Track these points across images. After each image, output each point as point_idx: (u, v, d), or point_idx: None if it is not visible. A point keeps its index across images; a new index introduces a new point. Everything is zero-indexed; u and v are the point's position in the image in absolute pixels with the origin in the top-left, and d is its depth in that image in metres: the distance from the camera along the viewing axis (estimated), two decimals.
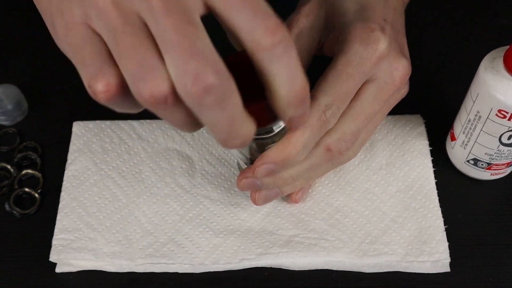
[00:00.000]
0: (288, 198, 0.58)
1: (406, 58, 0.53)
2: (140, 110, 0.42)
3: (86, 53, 0.41)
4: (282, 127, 0.48)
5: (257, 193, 0.54)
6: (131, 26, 0.39)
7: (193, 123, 0.41)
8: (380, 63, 0.51)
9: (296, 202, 0.58)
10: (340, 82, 0.49)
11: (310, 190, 0.59)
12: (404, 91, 0.55)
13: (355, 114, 0.51)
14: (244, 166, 0.54)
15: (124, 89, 0.39)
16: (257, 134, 0.47)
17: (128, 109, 0.42)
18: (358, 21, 0.52)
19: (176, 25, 0.37)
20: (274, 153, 0.49)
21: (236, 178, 0.60)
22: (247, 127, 0.41)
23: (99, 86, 0.39)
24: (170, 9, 0.38)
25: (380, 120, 0.55)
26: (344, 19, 0.53)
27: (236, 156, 0.55)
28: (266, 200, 0.55)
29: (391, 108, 0.55)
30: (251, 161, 0.52)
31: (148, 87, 0.38)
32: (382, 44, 0.50)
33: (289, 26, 0.53)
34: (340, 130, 0.51)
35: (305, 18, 0.53)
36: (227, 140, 0.41)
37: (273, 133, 0.48)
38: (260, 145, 0.50)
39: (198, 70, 0.37)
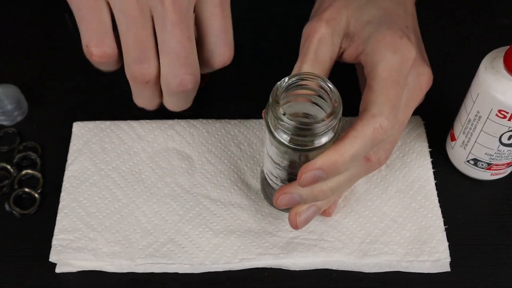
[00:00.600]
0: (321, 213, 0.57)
1: (428, 65, 0.54)
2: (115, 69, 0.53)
3: (93, 17, 0.49)
4: (328, 140, 0.47)
5: (297, 217, 0.52)
6: (143, 19, 0.49)
7: (156, 103, 0.57)
8: (411, 70, 0.51)
9: (329, 215, 0.57)
10: (387, 89, 0.49)
11: None
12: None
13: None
14: (275, 186, 0.54)
15: (115, 59, 0.50)
16: (304, 145, 0.46)
17: (108, 70, 0.54)
18: (384, 28, 0.52)
19: (180, 39, 0.50)
20: (322, 159, 0.48)
21: (237, 178, 0.60)
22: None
23: (96, 51, 0.51)
24: (180, 23, 0.49)
25: (406, 124, 0.55)
26: (369, 26, 0.52)
27: (272, 175, 0.53)
28: (306, 222, 0.53)
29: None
30: (289, 180, 0.52)
31: (141, 70, 0.52)
32: (412, 51, 0.51)
33: (311, 33, 0.53)
34: None
35: (327, 25, 0.53)
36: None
37: (321, 145, 0.47)
38: (305, 157, 0.48)
39: (184, 78, 0.52)
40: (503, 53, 0.52)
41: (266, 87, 0.69)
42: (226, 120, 0.64)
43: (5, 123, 0.64)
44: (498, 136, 0.55)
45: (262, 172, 0.56)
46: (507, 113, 0.52)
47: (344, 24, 0.53)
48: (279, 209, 0.55)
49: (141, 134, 0.62)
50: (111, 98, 0.67)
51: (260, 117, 0.64)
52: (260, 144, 0.62)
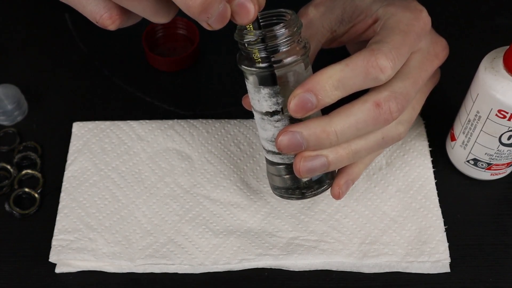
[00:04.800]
0: (331, 190, 0.53)
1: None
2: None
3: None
4: (300, 56, 0.48)
5: (302, 162, 0.49)
6: None
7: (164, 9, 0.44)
8: (424, 34, 0.51)
9: (338, 195, 0.53)
10: (392, 35, 0.49)
11: None
12: (437, 77, 0.57)
13: (403, 76, 0.50)
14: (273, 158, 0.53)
15: (125, 13, 0.44)
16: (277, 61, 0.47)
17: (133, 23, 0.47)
18: (392, 0, 0.53)
19: None
20: (309, 79, 0.47)
21: (236, 176, 0.60)
22: None
23: (106, 21, 0.44)
24: None
25: (422, 101, 0.55)
26: (375, 3, 0.54)
27: (268, 141, 0.52)
28: (311, 171, 0.50)
29: (429, 92, 0.56)
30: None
31: None
32: (424, 12, 0.52)
33: (299, 16, 0.54)
34: (390, 87, 0.49)
35: (315, 9, 0.55)
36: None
37: (293, 59, 0.48)
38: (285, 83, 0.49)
39: None
40: (502, 53, 0.52)
41: None
42: (226, 120, 0.64)
43: (5, 123, 0.64)
44: (498, 136, 0.55)
45: (267, 161, 0.55)
46: (507, 113, 0.52)
47: (338, 10, 0.55)
48: (283, 162, 0.52)
49: (140, 134, 0.62)
50: (111, 98, 0.67)
51: None
52: (260, 144, 0.62)
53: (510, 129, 0.54)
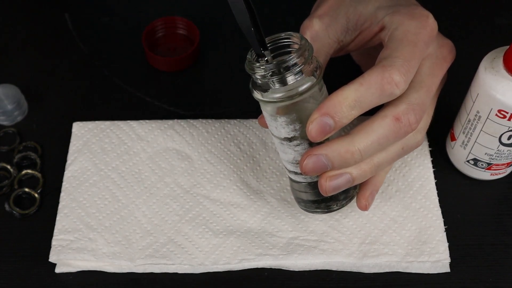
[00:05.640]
0: (357, 202, 0.55)
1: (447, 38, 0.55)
2: None
3: None
4: (312, 83, 0.48)
5: (327, 182, 0.50)
6: None
7: None
8: (431, 40, 0.51)
9: (365, 207, 0.54)
10: (402, 47, 0.49)
11: None
12: (445, 78, 0.57)
13: (417, 85, 0.50)
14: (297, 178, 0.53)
15: None
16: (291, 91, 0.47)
17: None
18: (397, 5, 0.53)
19: None
20: (325, 103, 0.47)
21: (237, 175, 0.60)
22: None
23: None
24: None
25: (435, 105, 0.55)
26: (380, 10, 0.53)
27: (290, 163, 0.52)
28: (336, 189, 0.50)
29: (438, 94, 0.56)
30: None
31: None
32: (431, 18, 0.52)
33: (304, 30, 0.53)
34: (406, 100, 0.49)
35: (319, 20, 0.54)
36: None
37: (307, 87, 0.47)
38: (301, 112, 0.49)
39: None
40: (502, 53, 0.52)
41: None
42: (226, 120, 0.64)
43: (5, 123, 0.64)
44: (498, 136, 0.55)
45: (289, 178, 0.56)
46: (507, 113, 0.52)
47: (342, 20, 0.54)
48: (309, 179, 0.52)
49: (140, 134, 0.62)
50: (111, 98, 0.67)
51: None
52: (260, 143, 0.62)
53: (510, 129, 0.54)
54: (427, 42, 0.51)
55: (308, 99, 0.48)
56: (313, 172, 0.49)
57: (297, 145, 0.50)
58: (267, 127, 0.52)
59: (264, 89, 0.48)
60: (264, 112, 0.51)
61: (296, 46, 0.49)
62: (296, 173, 0.52)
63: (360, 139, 0.49)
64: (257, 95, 0.49)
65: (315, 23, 0.54)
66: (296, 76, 0.47)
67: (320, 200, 0.53)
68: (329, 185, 0.50)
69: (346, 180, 0.50)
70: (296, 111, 0.48)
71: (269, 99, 0.48)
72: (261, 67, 0.47)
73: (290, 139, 0.50)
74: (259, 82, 0.48)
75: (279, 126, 0.50)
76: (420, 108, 0.50)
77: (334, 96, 0.47)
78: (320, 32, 0.54)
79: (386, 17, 0.52)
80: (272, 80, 0.48)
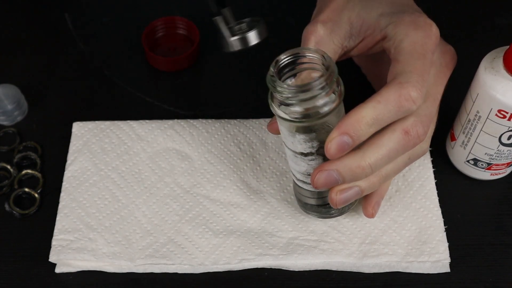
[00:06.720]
0: (363, 210, 0.56)
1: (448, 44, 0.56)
2: None
3: None
4: (334, 106, 0.47)
5: (338, 195, 0.51)
6: None
7: None
8: (435, 48, 0.52)
9: (372, 215, 0.56)
10: (413, 60, 0.49)
11: None
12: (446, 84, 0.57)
13: (424, 96, 0.50)
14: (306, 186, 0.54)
15: None
16: (311, 113, 0.47)
17: None
18: (400, 13, 0.52)
19: None
20: (344, 121, 0.47)
21: (236, 175, 0.60)
22: None
23: None
24: None
25: (437, 111, 0.55)
26: (383, 17, 0.53)
27: (300, 173, 0.53)
28: (346, 201, 0.52)
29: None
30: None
31: None
32: (433, 26, 0.52)
33: (308, 35, 0.53)
34: (415, 112, 0.50)
35: (323, 26, 0.53)
36: None
37: (329, 110, 0.47)
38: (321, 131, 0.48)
39: None
40: (502, 53, 0.52)
41: (265, 88, 0.69)
42: (226, 120, 0.64)
43: (5, 123, 0.64)
44: (498, 136, 0.55)
45: (294, 182, 0.56)
46: (507, 113, 0.52)
47: (346, 25, 0.54)
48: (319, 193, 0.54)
49: (140, 134, 0.62)
50: (111, 98, 0.67)
51: (260, 117, 0.64)
52: (260, 143, 0.62)
53: (510, 129, 0.54)
54: (433, 51, 0.51)
55: (329, 119, 0.48)
56: (324, 187, 0.51)
57: (311, 160, 0.51)
58: (276, 133, 0.53)
59: (285, 105, 0.47)
60: (280, 126, 0.50)
61: (319, 63, 0.48)
62: (304, 182, 0.53)
63: (371, 153, 0.49)
64: (277, 111, 0.48)
65: (319, 28, 0.53)
66: (320, 101, 0.47)
67: (322, 205, 0.55)
68: (339, 198, 0.51)
69: (356, 193, 0.52)
70: (316, 130, 0.48)
71: (289, 118, 0.48)
72: (285, 89, 0.46)
73: (305, 154, 0.50)
74: (280, 97, 0.47)
75: (296, 142, 0.50)
76: (428, 119, 0.51)
77: (353, 115, 0.47)
78: (324, 38, 0.53)
79: (389, 27, 0.52)
80: (295, 101, 0.47)
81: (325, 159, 0.50)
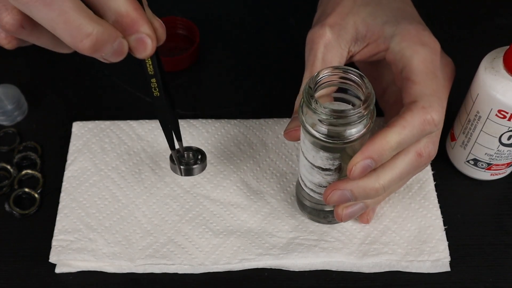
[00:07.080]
0: (359, 217, 0.57)
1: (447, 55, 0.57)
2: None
3: None
4: (365, 132, 0.47)
5: (344, 210, 0.52)
6: None
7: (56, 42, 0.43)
8: (439, 62, 0.52)
9: (367, 221, 0.57)
10: (430, 81, 0.50)
11: None
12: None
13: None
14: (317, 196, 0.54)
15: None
16: (341, 138, 0.46)
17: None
18: (406, 24, 0.53)
19: None
20: (369, 146, 0.48)
21: (237, 175, 0.60)
22: (91, 26, 0.39)
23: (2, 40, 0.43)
24: None
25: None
26: (388, 26, 0.53)
27: (314, 180, 0.52)
28: (351, 216, 0.53)
29: None
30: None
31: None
32: (436, 41, 0.53)
33: (317, 39, 0.53)
34: None
35: (331, 30, 0.53)
36: (74, 41, 0.40)
37: (359, 135, 0.47)
38: (345, 154, 0.48)
39: None
40: (502, 53, 0.52)
41: (265, 88, 0.69)
42: (226, 120, 0.64)
43: (5, 123, 0.64)
44: (498, 136, 0.55)
45: (298, 183, 0.56)
46: (507, 113, 0.52)
47: (352, 29, 0.54)
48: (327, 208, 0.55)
49: (141, 134, 0.62)
50: (111, 98, 0.67)
51: (260, 117, 0.64)
52: (260, 144, 0.62)
53: (510, 129, 0.54)
54: (438, 67, 0.52)
55: (357, 142, 0.48)
56: (335, 203, 0.51)
57: (327, 174, 0.51)
58: (293, 140, 0.52)
59: (317, 121, 0.47)
60: (305, 139, 0.49)
61: (360, 86, 0.47)
62: (313, 191, 0.53)
63: (384, 175, 0.50)
64: (307, 126, 0.47)
65: (327, 31, 0.53)
66: (354, 128, 0.46)
67: (323, 211, 0.56)
68: (345, 213, 0.53)
69: (361, 208, 0.53)
70: (341, 150, 0.48)
71: (318, 136, 0.47)
72: (321, 111, 0.45)
73: (323, 169, 0.50)
74: (313, 115, 0.46)
75: (317, 157, 0.49)
76: (437, 136, 0.52)
77: (378, 140, 0.48)
78: (332, 42, 0.53)
79: (394, 39, 0.53)
80: (328, 123, 0.46)
81: (341, 175, 0.50)
